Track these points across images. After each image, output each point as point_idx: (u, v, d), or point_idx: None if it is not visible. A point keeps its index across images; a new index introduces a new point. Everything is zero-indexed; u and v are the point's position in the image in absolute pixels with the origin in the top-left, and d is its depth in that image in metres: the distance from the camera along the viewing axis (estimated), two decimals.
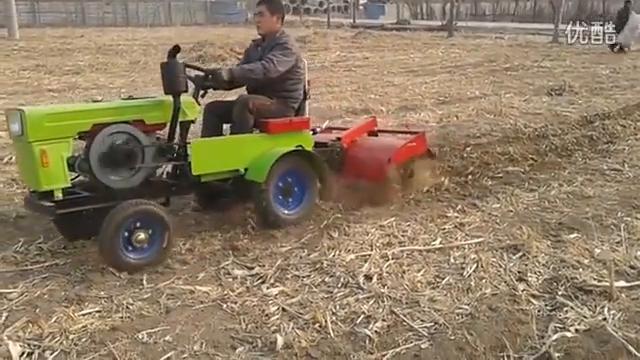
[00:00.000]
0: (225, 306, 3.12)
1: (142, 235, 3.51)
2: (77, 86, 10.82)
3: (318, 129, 4.98)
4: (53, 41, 19.96)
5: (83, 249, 3.77)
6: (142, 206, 3.52)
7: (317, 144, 4.66)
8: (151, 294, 3.23)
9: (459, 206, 4.67)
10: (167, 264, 3.59)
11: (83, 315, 2.98)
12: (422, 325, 2.93)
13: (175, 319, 2.97)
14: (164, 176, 4.08)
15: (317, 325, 2.91)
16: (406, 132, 5.54)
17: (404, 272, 3.50)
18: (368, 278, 3.42)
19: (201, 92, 4.21)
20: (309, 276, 3.47)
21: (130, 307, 3.08)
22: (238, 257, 3.72)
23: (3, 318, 2.96)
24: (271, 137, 4.25)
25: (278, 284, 3.36)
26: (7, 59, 14.98)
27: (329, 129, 5.50)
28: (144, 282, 3.37)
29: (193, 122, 3.99)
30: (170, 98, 3.78)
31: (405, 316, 3.00)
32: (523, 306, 3.12)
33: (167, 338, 2.79)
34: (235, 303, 3.14)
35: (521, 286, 3.33)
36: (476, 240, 3.99)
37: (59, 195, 3.49)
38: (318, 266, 3.58)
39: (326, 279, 3.43)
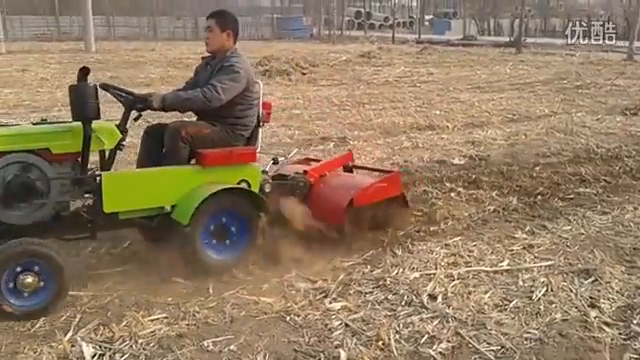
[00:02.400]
0: (288, 318, 3.14)
1: (29, 279, 3.08)
2: None
3: (281, 159, 4.55)
4: (126, 54, 20.83)
5: (152, 255, 3.84)
6: (23, 247, 3.10)
7: (278, 176, 4.30)
8: (216, 303, 3.29)
9: (528, 227, 4.55)
10: (232, 274, 3.64)
11: (151, 320, 3.07)
12: (488, 348, 2.86)
13: (239, 329, 3.01)
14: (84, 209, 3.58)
15: (380, 343, 2.88)
16: (381, 170, 4.96)
17: (470, 293, 3.43)
18: (432, 298, 3.37)
19: (134, 115, 3.75)
20: (372, 292, 3.45)
21: (196, 315, 3.14)
22: (301, 270, 3.74)
23: (77, 319, 3.08)
24: (207, 170, 3.70)
25: (341, 299, 3.36)
26: None
27: (307, 160, 5.01)
28: (210, 291, 3.43)
29: (120, 149, 3.61)
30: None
31: (471, 338, 2.94)
32: (595, 334, 3.00)
33: (232, 347, 2.84)
34: (298, 316, 3.16)
35: (593, 313, 3.21)
36: (546, 263, 3.87)
37: None
38: (381, 283, 3.56)
39: (389, 296, 3.40)
